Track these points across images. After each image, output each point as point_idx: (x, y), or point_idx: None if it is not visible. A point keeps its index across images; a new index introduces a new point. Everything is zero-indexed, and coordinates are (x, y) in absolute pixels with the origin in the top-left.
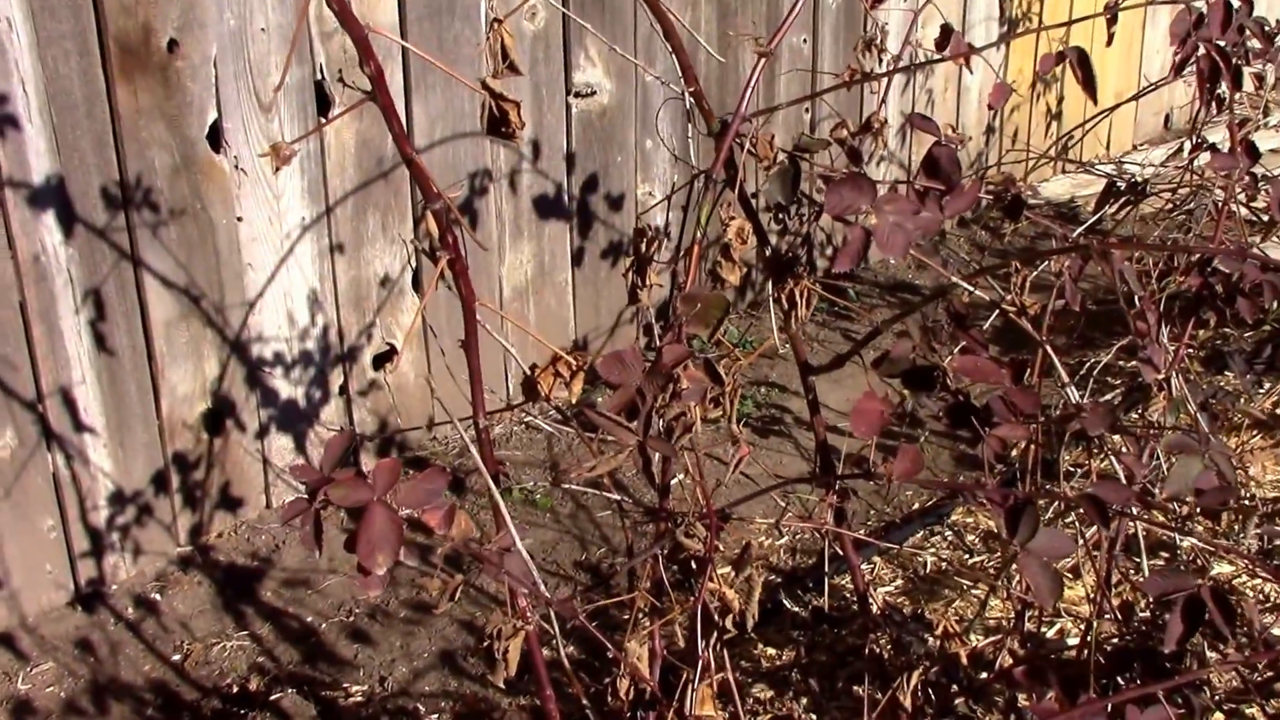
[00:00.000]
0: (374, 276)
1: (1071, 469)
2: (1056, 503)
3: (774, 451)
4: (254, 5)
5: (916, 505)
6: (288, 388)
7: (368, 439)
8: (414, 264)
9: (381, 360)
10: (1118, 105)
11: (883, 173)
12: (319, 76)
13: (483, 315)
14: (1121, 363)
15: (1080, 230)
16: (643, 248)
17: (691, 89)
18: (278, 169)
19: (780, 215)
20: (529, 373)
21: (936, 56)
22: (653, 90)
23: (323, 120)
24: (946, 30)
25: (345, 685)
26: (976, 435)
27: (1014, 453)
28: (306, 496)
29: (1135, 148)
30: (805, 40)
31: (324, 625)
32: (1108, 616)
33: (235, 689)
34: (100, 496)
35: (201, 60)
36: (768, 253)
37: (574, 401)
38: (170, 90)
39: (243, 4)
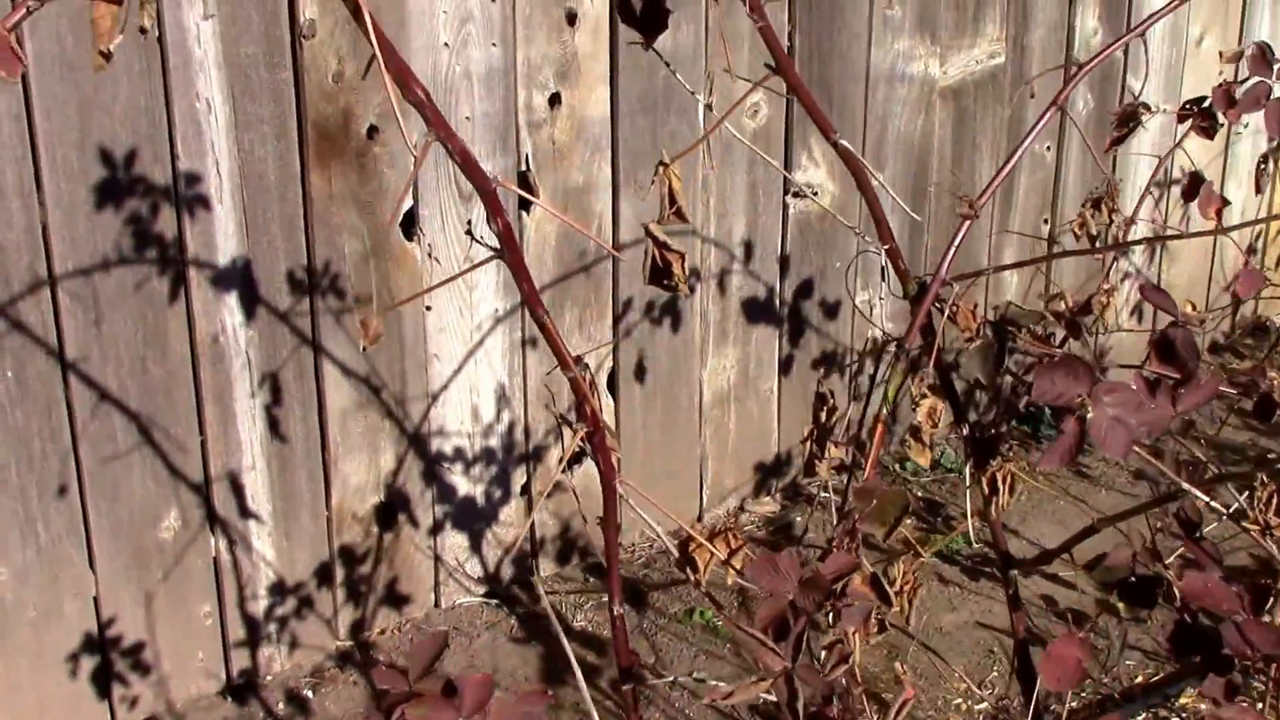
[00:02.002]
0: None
1: None
2: None
3: (984, 597)
4: (460, 94)
5: (1140, 679)
6: (466, 485)
7: (549, 541)
8: (611, 363)
9: (570, 462)
10: None
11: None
12: (523, 167)
13: (678, 422)
14: None
15: None
16: (822, 417)
17: (887, 246)
18: (365, 348)
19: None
20: (678, 552)
21: (1176, 232)
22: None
23: (523, 213)
24: (1196, 179)
25: None
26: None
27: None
28: (382, 714)
29: None
30: (1049, 147)
31: None
32: None
33: None
34: (260, 585)
35: (401, 147)
36: (964, 431)
37: (730, 582)
38: (365, 176)
39: (449, 92)
